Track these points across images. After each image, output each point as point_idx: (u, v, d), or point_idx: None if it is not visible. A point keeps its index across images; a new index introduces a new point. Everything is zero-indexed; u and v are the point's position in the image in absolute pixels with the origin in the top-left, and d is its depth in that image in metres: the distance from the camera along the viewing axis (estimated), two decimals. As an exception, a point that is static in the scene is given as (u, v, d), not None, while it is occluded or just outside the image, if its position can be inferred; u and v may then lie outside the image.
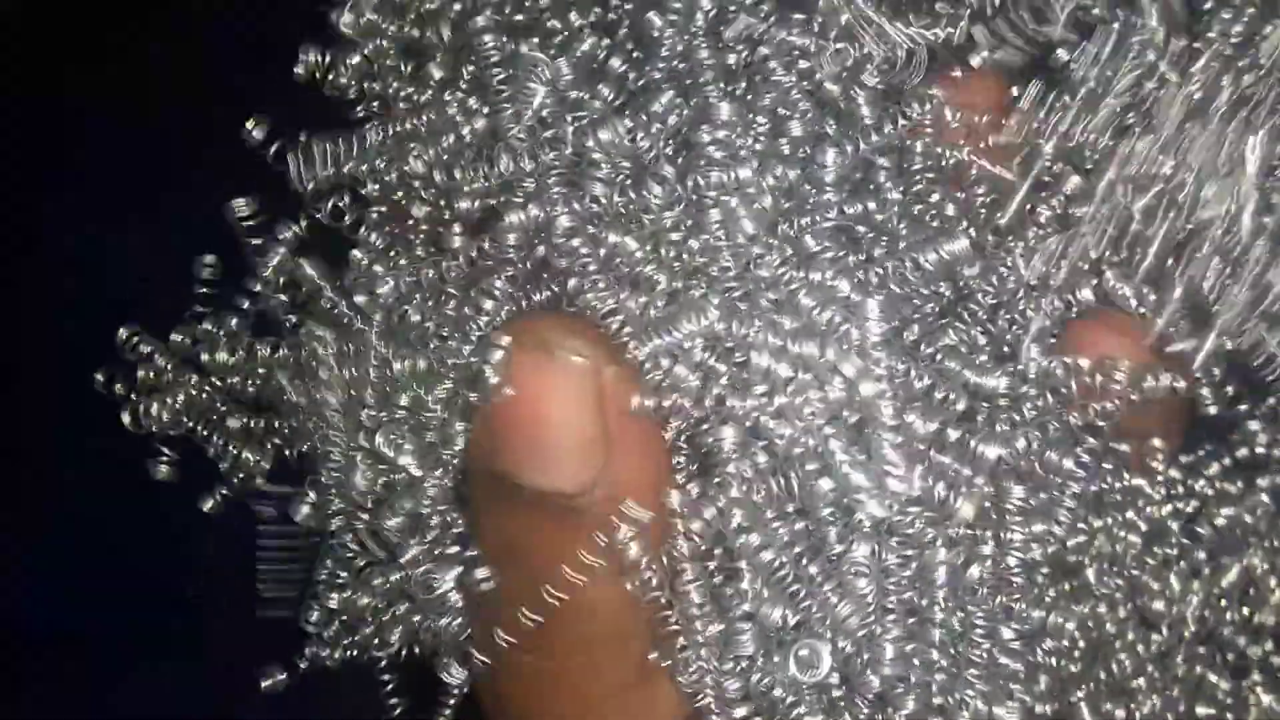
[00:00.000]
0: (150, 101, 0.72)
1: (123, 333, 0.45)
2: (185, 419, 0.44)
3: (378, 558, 0.40)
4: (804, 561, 0.35)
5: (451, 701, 0.41)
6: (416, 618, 0.41)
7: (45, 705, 0.67)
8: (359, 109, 0.45)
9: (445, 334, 0.36)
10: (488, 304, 0.36)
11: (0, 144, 0.71)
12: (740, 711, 0.35)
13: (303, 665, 0.44)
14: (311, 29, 0.72)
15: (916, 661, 0.35)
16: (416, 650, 0.43)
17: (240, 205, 0.42)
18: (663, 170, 0.36)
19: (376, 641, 0.43)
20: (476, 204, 0.38)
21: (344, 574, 0.42)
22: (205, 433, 0.44)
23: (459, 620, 0.39)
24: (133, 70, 0.73)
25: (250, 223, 0.43)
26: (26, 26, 0.73)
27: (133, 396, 0.45)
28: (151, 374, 0.45)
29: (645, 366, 0.34)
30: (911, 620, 0.35)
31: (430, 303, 0.38)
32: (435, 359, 0.36)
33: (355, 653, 0.43)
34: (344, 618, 0.42)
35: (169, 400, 0.44)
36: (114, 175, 0.72)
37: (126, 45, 0.73)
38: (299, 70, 0.43)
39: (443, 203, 0.40)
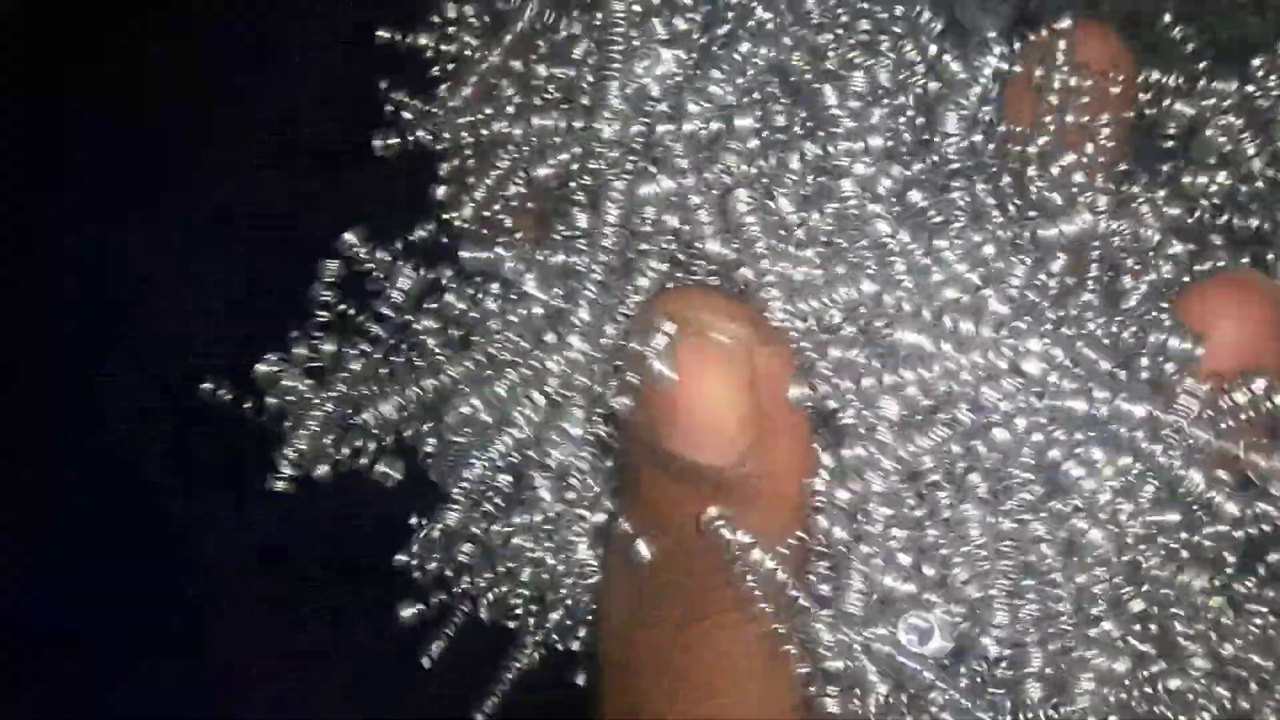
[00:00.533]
0: (150, 101, 0.72)
1: (261, 368, 0.41)
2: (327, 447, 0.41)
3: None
4: (926, 528, 0.35)
5: (520, 661, 0.42)
6: (549, 559, 0.41)
7: (45, 705, 0.67)
8: (435, 69, 0.43)
9: (592, 318, 0.36)
10: (643, 281, 0.35)
11: (0, 144, 0.71)
12: (881, 687, 0.35)
13: (440, 598, 0.44)
14: (311, 30, 0.72)
15: (1033, 624, 0.35)
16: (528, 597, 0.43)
17: (351, 239, 0.41)
18: (801, 143, 0.36)
19: (506, 581, 0.43)
20: (554, 171, 0.38)
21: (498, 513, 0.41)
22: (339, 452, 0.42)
23: (586, 569, 0.40)
24: (133, 70, 0.73)
25: (362, 251, 0.41)
26: (26, 26, 0.73)
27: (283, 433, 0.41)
28: (287, 402, 0.42)
29: (800, 345, 0.35)
30: (1028, 582, 0.35)
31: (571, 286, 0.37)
32: (588, 344, 0.36)
33: (491, 587, 0.43)
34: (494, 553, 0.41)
35: (305, 429, 0.41)
36: (114, 175, 0.72)
37: (126, 45, 0.73)
38: (381, 33, 0.41)
39: (522, 173, 0.39)
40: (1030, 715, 0.35)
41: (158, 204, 0.72)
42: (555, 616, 0.44)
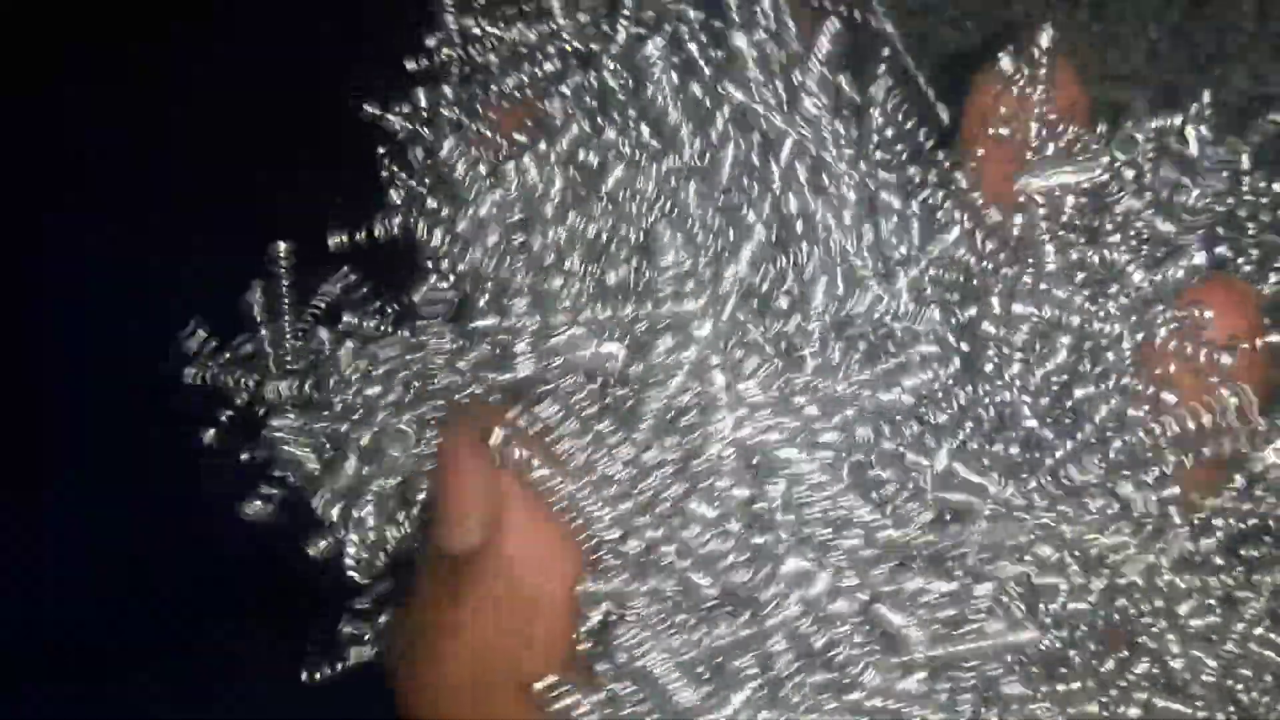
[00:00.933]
0: (152, 101, 0.72)
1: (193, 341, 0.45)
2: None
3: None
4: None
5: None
6: None
7: (46, 706, 0.67)
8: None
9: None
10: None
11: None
12: None
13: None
14: (309, 28, 0.72)
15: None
16: None
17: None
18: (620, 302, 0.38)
19: None
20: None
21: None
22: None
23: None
24: (132, 70, 0.73)
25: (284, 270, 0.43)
26: (24, 25, 0.73)
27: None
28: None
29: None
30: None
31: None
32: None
33: None
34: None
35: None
36: (112, 174, 0.72)
37: (125, 44, 0.73)
38: (367, 108, 0.42)
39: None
40: None
41: (155, 201, 0.72)
42: None
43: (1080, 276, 0.39)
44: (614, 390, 0.37)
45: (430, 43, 0.41)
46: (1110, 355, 0.38)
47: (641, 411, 0.36)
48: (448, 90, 0.40)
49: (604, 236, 0.38)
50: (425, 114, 0.41)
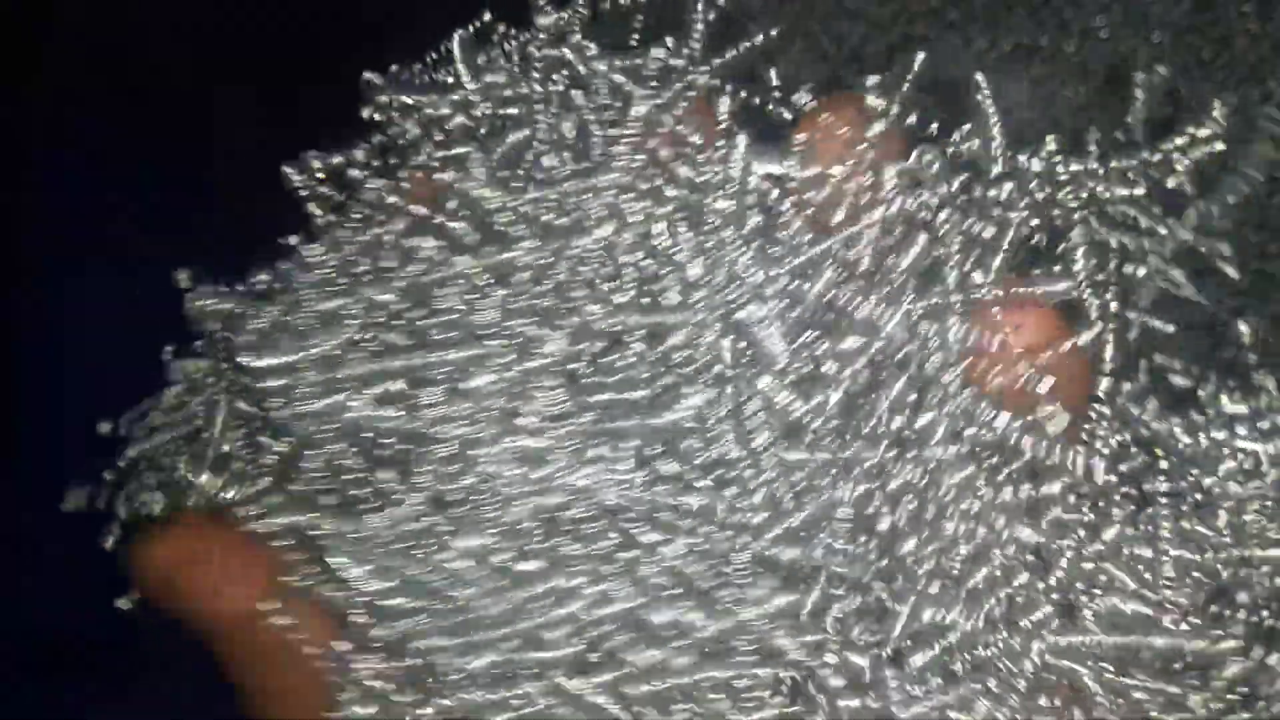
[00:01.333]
0: (139, 90, 0.71)
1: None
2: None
3: None
4: None
5: None
6: None
7: (47, 708, 0.67)
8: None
9: None
10: None
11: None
12: None
13: None
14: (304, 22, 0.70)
15: None
16: None
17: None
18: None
19: None
20: None
21: None
22: None
23: None
24: (121, 59, 0.72)
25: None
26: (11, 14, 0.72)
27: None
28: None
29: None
30: None
31: None
32: None
33: None
34: None
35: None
36: (104, 168, 0.71)
37: (114, 33, 0.72)
38: (288, 170, 0.41)
39: None
40: None
41: (148, 194, 0.71)
42: None
43: (909, 296, 0.39)
44: (388, 446, 0.38)
45: (364, 114, 0.40)
46: (942, 376, 0.39)
47: (420, 463, 0.37)
48: (359, 154, 0.40)
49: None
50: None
